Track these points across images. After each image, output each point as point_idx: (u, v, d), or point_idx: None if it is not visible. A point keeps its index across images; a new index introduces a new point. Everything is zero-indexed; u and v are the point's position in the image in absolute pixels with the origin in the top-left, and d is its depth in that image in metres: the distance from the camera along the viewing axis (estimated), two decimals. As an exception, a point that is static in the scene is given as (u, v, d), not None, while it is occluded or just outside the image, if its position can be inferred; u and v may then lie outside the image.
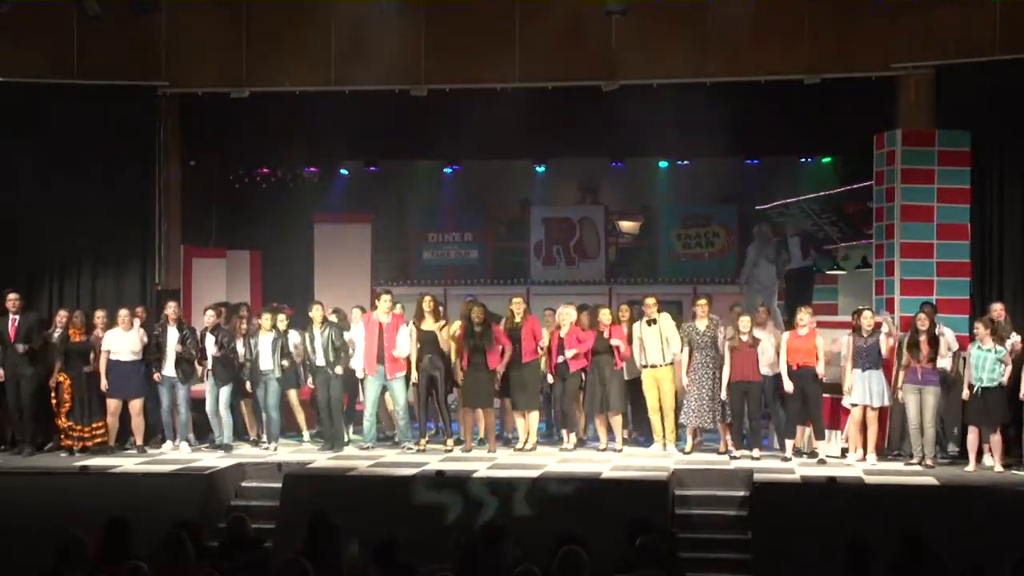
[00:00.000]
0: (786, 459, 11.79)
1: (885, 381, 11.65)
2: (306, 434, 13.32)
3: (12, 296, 12.52)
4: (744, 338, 11.98)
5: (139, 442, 12.59)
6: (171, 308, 12.69)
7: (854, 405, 11.74)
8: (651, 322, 12.42)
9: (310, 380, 12.80)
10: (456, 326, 12.76)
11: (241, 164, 16.88)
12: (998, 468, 11.11)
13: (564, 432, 12.81)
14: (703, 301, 12.51)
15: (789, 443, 11.93)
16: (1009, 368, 11.10)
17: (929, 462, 11.36)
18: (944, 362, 11.59)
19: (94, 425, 12.47)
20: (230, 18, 14.02)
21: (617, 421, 12.55)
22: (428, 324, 12.61)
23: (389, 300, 12.70)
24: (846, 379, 11.74)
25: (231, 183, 17.18)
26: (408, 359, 12.51)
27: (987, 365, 11.09)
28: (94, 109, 13.91)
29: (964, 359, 11.52)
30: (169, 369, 12.55)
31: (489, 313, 12.66)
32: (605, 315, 12.59)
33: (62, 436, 12.47)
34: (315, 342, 12.63)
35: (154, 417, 12.86)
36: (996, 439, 11.18)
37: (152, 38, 13.96)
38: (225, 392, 12.59)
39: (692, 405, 12.19)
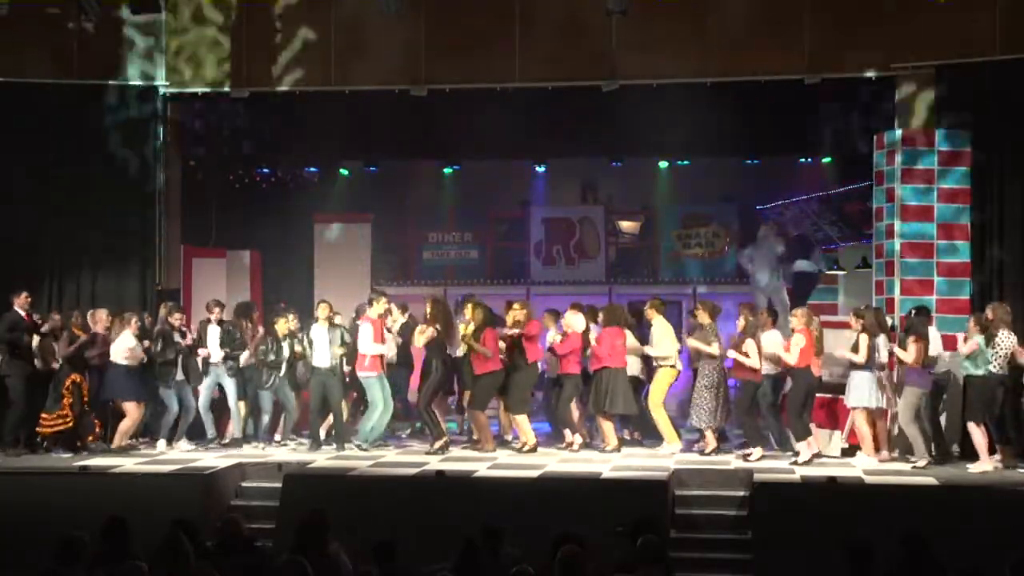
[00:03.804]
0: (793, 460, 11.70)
1: (879, 383, 11.61)
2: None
3: (24, 295, 12.46)
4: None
5: (116, 444, 12.29)
6: (175, 315, 12.65)
7: (854, 408, 11.72)
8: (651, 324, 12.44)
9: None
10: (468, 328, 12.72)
11: (241, 164, 16.88)
12: (986, 466, 10.99)
13: (567, 432, 12.79)
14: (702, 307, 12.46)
15: (799, 444, 11.87)
16: (1000, 358, 11.02)
17: (921, 462, 11.25)
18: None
19: (57, 413, 12.20)
20: (230, 18, 14.01)
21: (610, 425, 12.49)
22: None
23: (384, 302, 12.73)
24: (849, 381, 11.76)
25: (231, 183, 17.17)
26: (381, 357, 12.41)
27: (979, 354, 11.02)
28: (94, 109, 13.92)
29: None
30: (177, 373, 12.56)
31: (491, 314, 12.64)
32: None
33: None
34: (317, 341, 12.60)
35: (153, 418, 12.84)
36: (979, 436, 11.03)
37: (152, 38, 13.97)
38: (232, 385, 12.63)
39: (702, 407, 12.15)
